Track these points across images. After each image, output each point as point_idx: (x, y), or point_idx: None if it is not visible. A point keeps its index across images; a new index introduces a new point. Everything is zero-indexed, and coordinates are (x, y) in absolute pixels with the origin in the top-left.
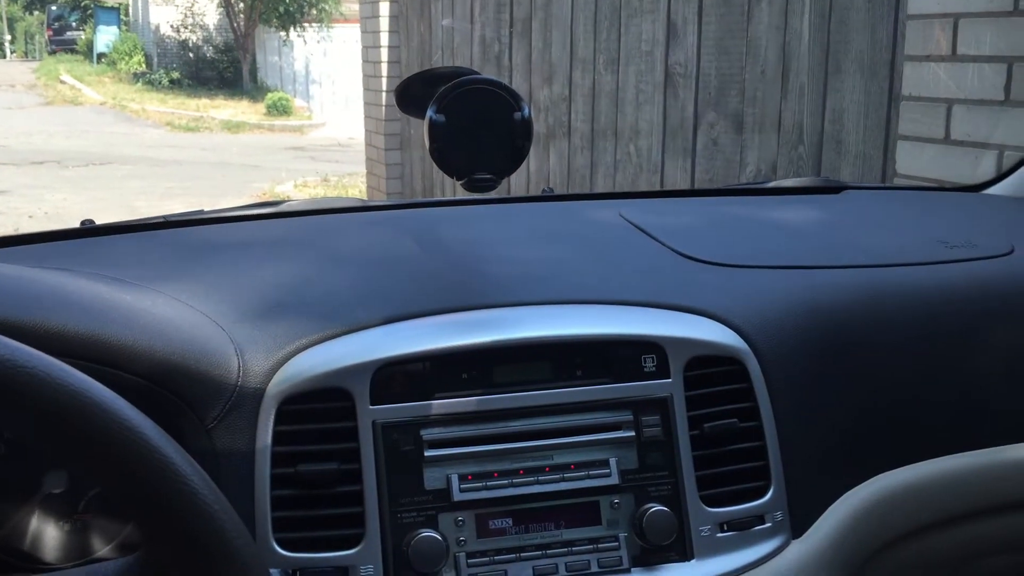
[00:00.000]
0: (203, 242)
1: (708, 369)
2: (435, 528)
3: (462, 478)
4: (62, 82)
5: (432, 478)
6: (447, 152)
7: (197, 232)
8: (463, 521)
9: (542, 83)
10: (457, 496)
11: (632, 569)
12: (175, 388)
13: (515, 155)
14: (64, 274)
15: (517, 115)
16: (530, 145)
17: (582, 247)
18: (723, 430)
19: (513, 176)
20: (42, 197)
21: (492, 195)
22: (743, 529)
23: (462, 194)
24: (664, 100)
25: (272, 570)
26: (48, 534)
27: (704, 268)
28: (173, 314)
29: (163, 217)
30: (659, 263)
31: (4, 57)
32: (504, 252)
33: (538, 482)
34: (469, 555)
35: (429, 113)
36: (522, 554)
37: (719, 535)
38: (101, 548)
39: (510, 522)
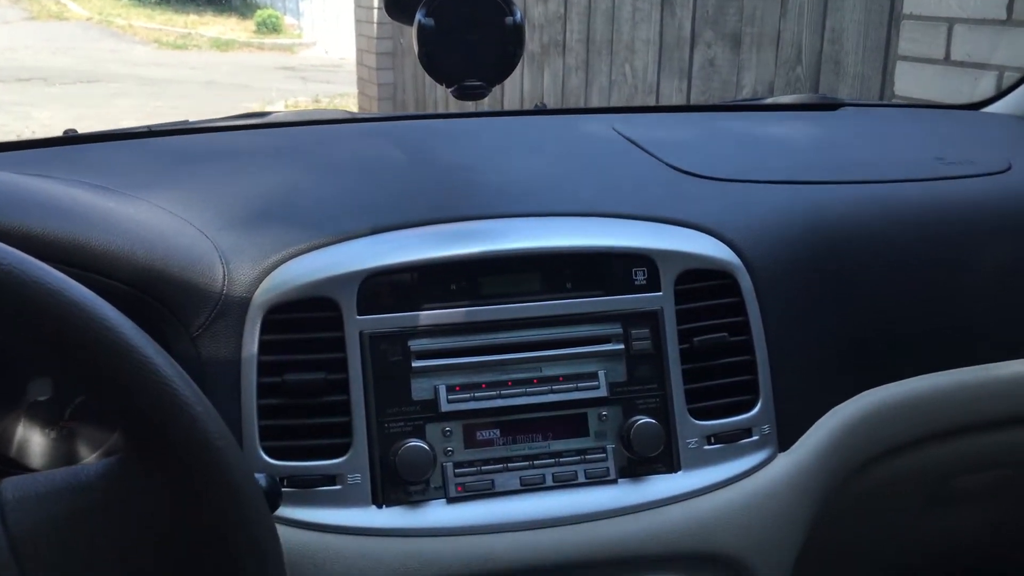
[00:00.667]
0: (189, 151)
1: (699, 283)
2: (422, 438)
3: (450, 389)
4: None
5: (419, 389)
6: (436, 57)
7: (183, 141)
8: (450, 431)
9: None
10: (444, 407)
11: (619, 480)
12: (159, 295)
13: (506, 62)
14: (46, 180)
15: (508, 20)
16: (522, 52)
17: (574, 160)
18: (713, 344)
19: (507, 97)
20: (29, 115)
21: (484, 109)
22: (730, 442)
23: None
24: (661, 18)
25: (258, 475)
26: (34, 441)
27: (698, 182)
28: (156, 221)
29: (148, 127)
30: (652, 176)
31: None
32: (495, 164)
33: (526, 394)
34: (456, 465)
35: (418, 16)
36: (509, 465)
37: (706, 448)
38: (88, 456)
39: (498, 433)
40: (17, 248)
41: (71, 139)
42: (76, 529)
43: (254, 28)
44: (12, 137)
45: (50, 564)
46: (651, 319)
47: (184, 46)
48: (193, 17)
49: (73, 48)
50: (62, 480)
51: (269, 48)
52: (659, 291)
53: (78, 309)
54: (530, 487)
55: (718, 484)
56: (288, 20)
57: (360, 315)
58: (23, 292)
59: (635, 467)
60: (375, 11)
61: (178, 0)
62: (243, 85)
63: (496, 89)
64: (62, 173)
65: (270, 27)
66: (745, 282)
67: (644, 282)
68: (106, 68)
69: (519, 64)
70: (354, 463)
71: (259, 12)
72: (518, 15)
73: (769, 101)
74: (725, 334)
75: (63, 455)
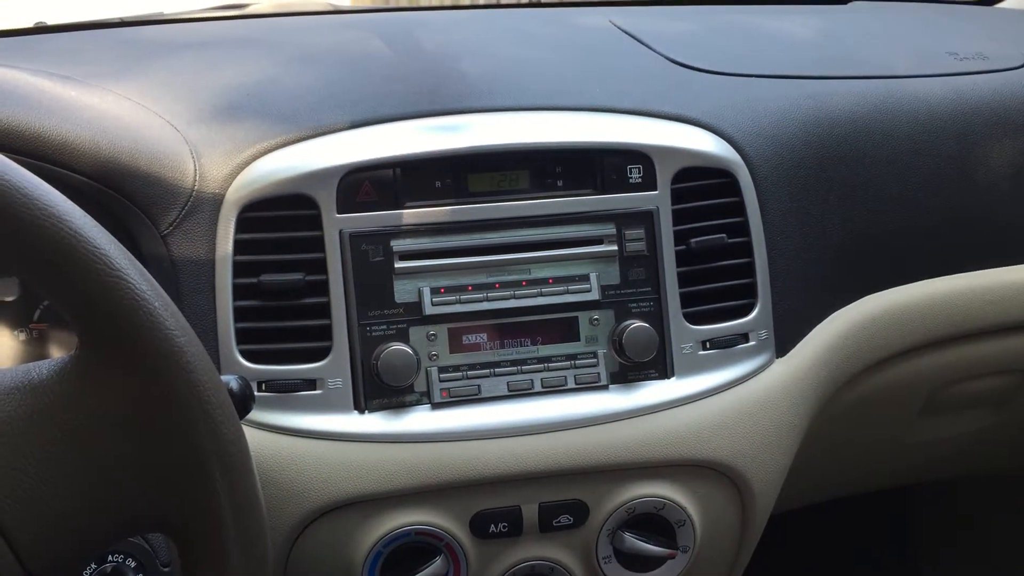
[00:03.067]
0: (160, 42)
1: (697, 182)
2: (406, 342)
3: (434, 291)
4: None
5: (403, 290)
6: None
7: (154, 31)
8: (435, 335)
9: None
10: (428, 310)
11: (610, 386)
12: (124, 190)
13: None
14: (8, 69)
15: None
16: None
17: (567, 52)
18: (710, 246)
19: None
20: None
21: (475, 1)
22: (726, 347)
23: None
24: None
25: (227, 376)
26: (2, 343)
27: (697, 76)
28: (122, 112)
29: (120, 18)
30: (649, 70)
31: None
32: (483, 57)
33: (514, 296)
34: (441, 370)
35: None
36: (496, 370)
37: (701, 353)
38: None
39: (484, 337)
40: None
41: (40, 29)
42: (29, 430)
43: None
44: None
45: (3, 465)
46: (646, 219)
47: None
48: None
49: None
50: (12, 379)
51: None
52: (655, 190)
53: (21, 195)
54: (518, 393)
55: (713, 390)
56: None
57: (340, 213)
58: None
59: (627, 372)
60: None
61: None
62: None
63: None
64: (27, 63)
65: None
66: (745, 180)
67: (639, 180)
68: None
69: None
70: (335, 367)
71: None
72: None
73: None
74: (723, 236)
75: (32, 358)
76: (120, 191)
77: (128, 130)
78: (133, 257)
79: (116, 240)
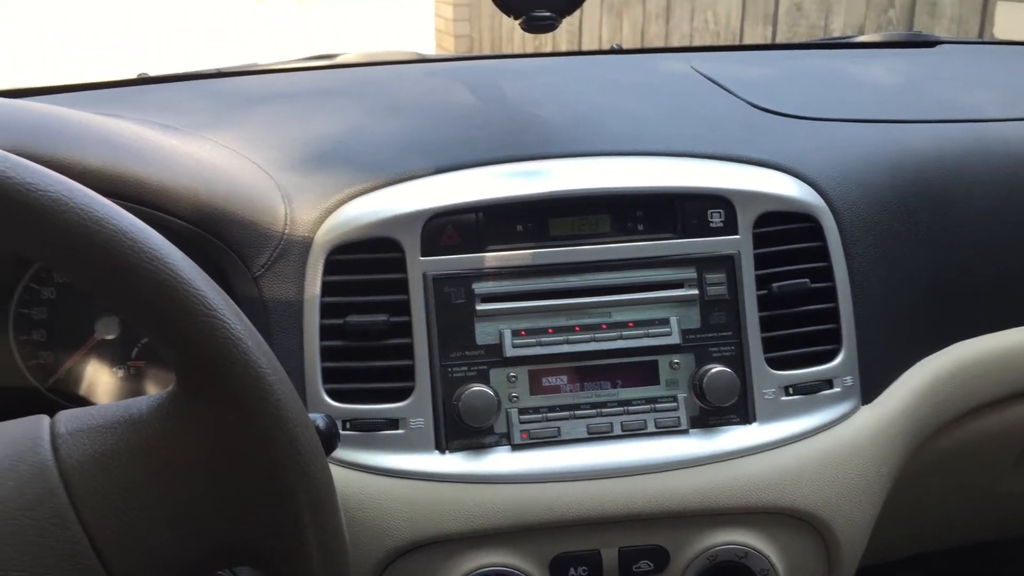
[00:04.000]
0: (254, 92)
1: (780, 226)
2: (486, 383)
3: (515, 333)
4: None
5: (484, 332)
6: None
7: (249, 82)
8: (515, 377)
9: None
10: (509, 351)
11: (690, 430)
12: (220, 233)
13: None
14: (112, 118)
15: None
16: None
17: (649, 98)
18: (793, 291)
19: (583, 46)
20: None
21: (556, 48)
22: (809, 393)
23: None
24: None
25: (315, 415)
26: (101, 380)
27: (780, 120)
28: (219, 159)
29: (217, 69)
30: (731, 115)
31: None
32: (565, 103)
33: (594, 339)
34: (521, 411)
35: None
36: (576, 412)
37: (784, 398)
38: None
39: (564, 379)
40: (74, 179)
41: (142, 80)
42: (127, 463)
43: None
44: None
45: (100, 497)
46: (727, 263)
47: None
48: None
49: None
50: (114, 414)
51: None
52: (736, 234)
53: (126, 238)
54: (597, 436)
55: (796, 437)
56: None
57: (423, 256)
58: (68, 219)
59: (708, 417)
60: None
61: None
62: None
63: (572, 38)
64: (130, 112)
65: None
66: (829, 225)
67: (721, 224)
68: None
69: (597, 11)
70: (416, 407)
71: None
72: None
73: (860, 39)
74: (806, 280)
75: (130, 394)
76: (216, 234)
77: (224, 176)
78: (229, 298)
79: (213, 282)
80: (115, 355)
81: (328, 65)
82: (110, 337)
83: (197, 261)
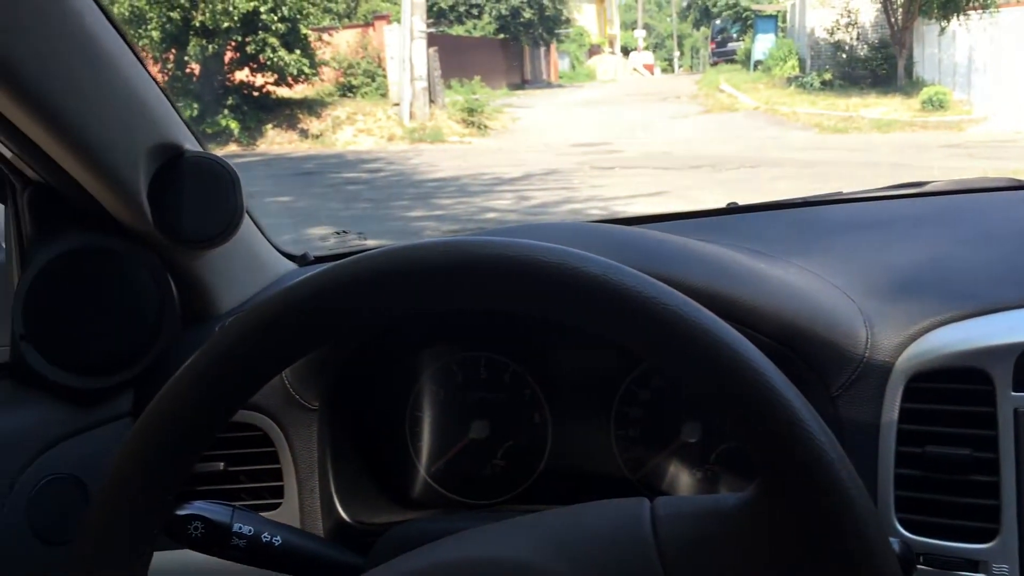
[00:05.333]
0: (840, 220)
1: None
2: None
3: None
4: (720, 91)
5: None
6: None
7: (835, 211)
8: None
9: None
10: None
11: None
12: (801, 352)
13: None
14: (708, 244)
15: None
16: None
17: None
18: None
19: None
20: (697, 198)
21: None
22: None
23: None
24: None
25: (892, 540)
26: (682, 478)
27: None
28: (804, 283)
29: (803, 198)
30: None
31: (673, 72)
32: None
33: None
34: None
35: None
36: None
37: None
38: None
39: None
40: None
41: (732, 210)
42: (716, 552)
43: (919, 107)
44: None
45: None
46: None
47: (845, 129)
48: (855, 100)
49: (739, 136)
50: (706, 505)
51: (933, 126)
52: None
53: (729, 350)
54: None
55: None
56: (957, 96)
57: (1015, 391)
58: (681, 328)
59: None
60: None
61: (841, 85)
62: (902, 164)
63: None
64: (723, 239)
65: (936, 104)
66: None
67: None
68: (768, 154)
69: None
70: (1001, 551)
71: (925, 90)
72: None
73: None
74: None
75: (705, 494)
76: (798, 353)
77: (808, 299)
78: (815, 411)
79: (801, 395)
80: (696, 457)
81: (917, 193)
82: (693, 440)
83: None
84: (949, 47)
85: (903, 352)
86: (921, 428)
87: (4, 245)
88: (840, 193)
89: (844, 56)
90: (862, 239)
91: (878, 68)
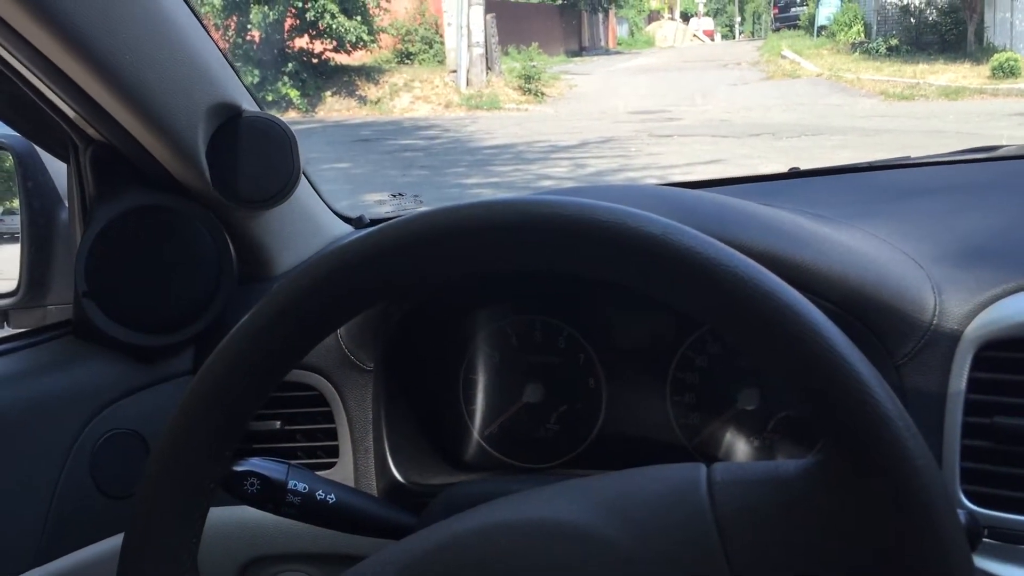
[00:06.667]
0: (907, 185)
1: None
2: None
3: None
4: (783, 57)
5: None
6: None
7: (902, 175)
8: None
9: None
10: None
11: None
12: (866, 318)
13: None
14: (769, 207)
15: None
16: None
17: None
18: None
19: None
20: (755, 167)
21: None
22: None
23: None
24: None
25: (959, 511)
26: (739, 446)
27: None
28: (869, 249)
29: (868, 163)
30: None
31: (734, 38)
32: None
33: None
34: None
35: None
36: None
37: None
38: None
39: None
40: None
41: (795, 174)
42: (774, 519)
43: (988, 73)
44: None
45: (748, 547)
46: None
47: (910, 96)
48: (923, 66)
49: (801, 104)
50: (765, 472)
51: (1004, 94)
52: None
53: (789, 311)
54: None
55: None
56: None
57: None
58: (743, 291)
59: None
60: None
61: (908, 51)
62: (970, 133)
63: None
64: (785, 203)
65: (1007, 71)
66: None
67: None
68: (830, 122)
69: None
70: None
71: (996, 56)
72: None
73: None
74: None
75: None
76: (863, 320)
77: (874, 265)
78: (882, 378)
79: (868, 361)
80: (753, 425)
81: (987, 158)
82: (750, 408)
83: None
84: (1022, 11)
85: (972, 320)
86: (990, 398)
87: (67, 204)
88: (908, 157)
89: (912, 21)
90: (930, 204)
91: (947, 33)
